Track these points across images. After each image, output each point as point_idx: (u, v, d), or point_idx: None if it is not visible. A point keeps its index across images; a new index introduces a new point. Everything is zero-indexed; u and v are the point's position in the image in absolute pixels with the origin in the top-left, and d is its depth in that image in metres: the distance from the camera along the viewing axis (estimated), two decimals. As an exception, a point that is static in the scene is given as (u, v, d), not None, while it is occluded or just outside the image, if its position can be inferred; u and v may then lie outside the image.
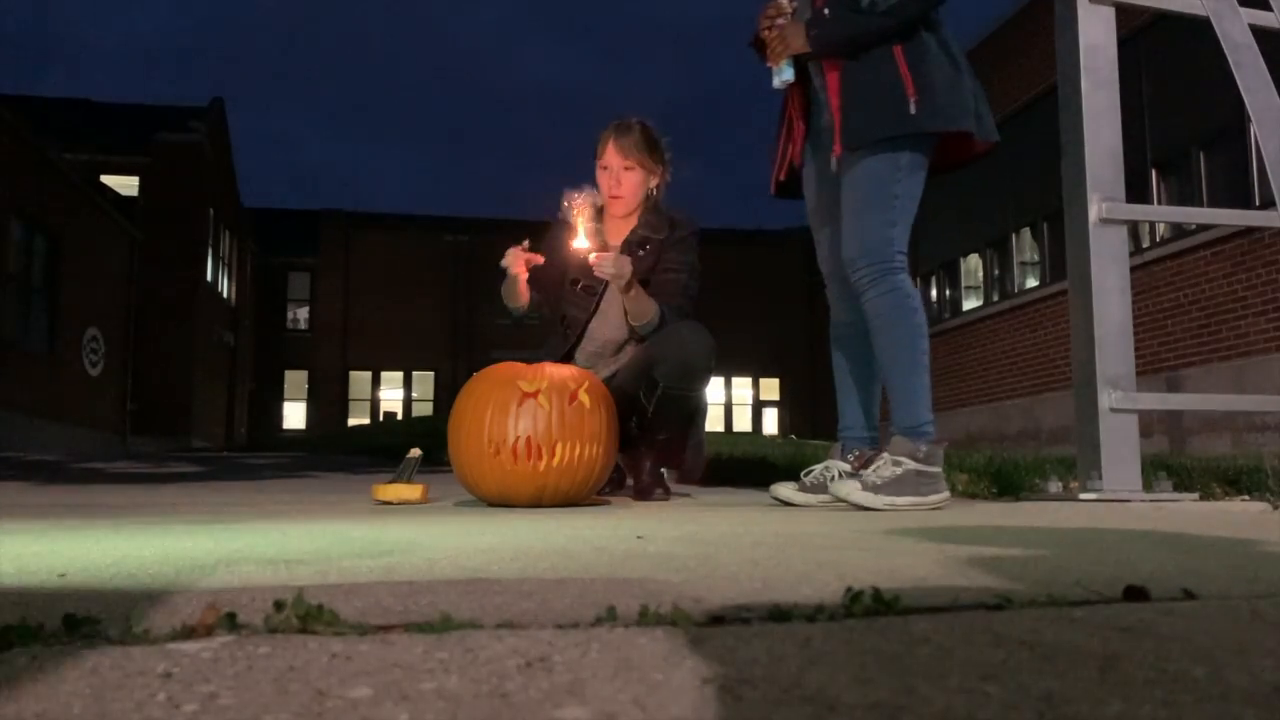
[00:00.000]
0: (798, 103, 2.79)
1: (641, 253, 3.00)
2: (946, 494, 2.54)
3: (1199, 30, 3.22)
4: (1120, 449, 2.90)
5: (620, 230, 3.08)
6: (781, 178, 2.86)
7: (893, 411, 2.57)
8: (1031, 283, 11.07)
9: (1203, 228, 8.15)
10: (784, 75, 2.70)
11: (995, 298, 11.77)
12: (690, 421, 3.08)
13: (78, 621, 0.76)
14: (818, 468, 2.73)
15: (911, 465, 2.44)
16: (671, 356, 2.87)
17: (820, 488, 2.66)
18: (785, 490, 2.74)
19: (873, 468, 2.46)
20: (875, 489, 2.40)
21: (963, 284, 12.86)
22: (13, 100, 18.09)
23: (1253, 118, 3.12)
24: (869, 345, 2.66)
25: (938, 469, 2.50)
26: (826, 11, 2.56)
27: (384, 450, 10.17)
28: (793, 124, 2.81)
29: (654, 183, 3.07)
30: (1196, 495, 2.97)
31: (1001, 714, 0.54)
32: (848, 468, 2.67)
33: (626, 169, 3.00)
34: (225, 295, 25.89)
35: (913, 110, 2.49)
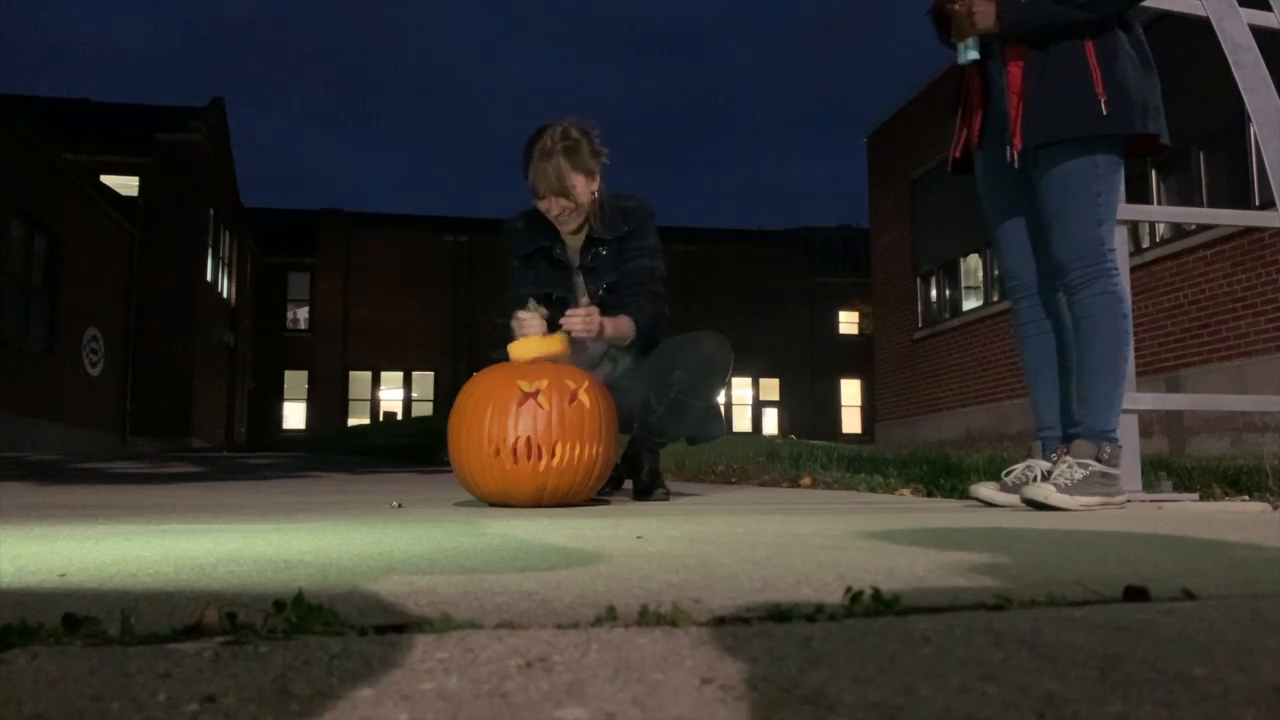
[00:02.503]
0: (978, 84, 2.71)
1: (604, 252, 2.96)
2: (1126, 495, 2.58)
3: (1199, 30, 3.22)
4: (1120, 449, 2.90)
5: (574, 238, 3.00)
6: (958, 155, 2.80)
7: (1082, 414, 2.56)
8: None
9: (1202, 228, 8.16)
10: (969, 55, 2.60)
11: (995, 298, 11.77)
12: (696, 427, 3.10)
13: (78, 621, 0.76)
14: (1019, 467, 2.68)
15: (1097, 467, 2.47)
16: (692, 366, 2.89)
17: (1022, 486, 2.61)
18: (986, 490, 2.69)
19: (1057, 471, 2.48)
20: (1069, 490, 2.43)
21: (963, 284, 12.86)
22: (13, 100, 18.08)
23: (1253, 118, 3.12)
24: (1061, 343, 2.65)
25: (1118, 471, 2.53)
26: None
27: (384, 450, 10.17)
28: (972, 106, 2.74)
29: (595, 186, 2.90)
30: (1196, 495, 2.97)
31: (1001, 714, 0.54)
32: (1050, 467, 2.62)
33: (560, 195, 2.85)
34: (225, 295, 25.87)
35: (1104, 110, 2.45)
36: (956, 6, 2.57)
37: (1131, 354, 2.97)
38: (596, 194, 2.92)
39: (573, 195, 2.85)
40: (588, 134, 2.89)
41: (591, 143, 2.89)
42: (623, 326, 2.86)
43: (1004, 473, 2.71)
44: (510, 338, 2.80)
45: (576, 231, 2.98)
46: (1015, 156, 2.57)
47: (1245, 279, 7.90)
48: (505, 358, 2.77)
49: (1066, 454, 2.53)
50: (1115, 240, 2.59)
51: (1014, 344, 2.86)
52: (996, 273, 11.92)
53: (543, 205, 2.89)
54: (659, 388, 2.92)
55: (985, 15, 2.54)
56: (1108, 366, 2.53)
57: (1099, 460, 2.49)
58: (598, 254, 2.97)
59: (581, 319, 2.73)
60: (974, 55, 2.61)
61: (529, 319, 2.76)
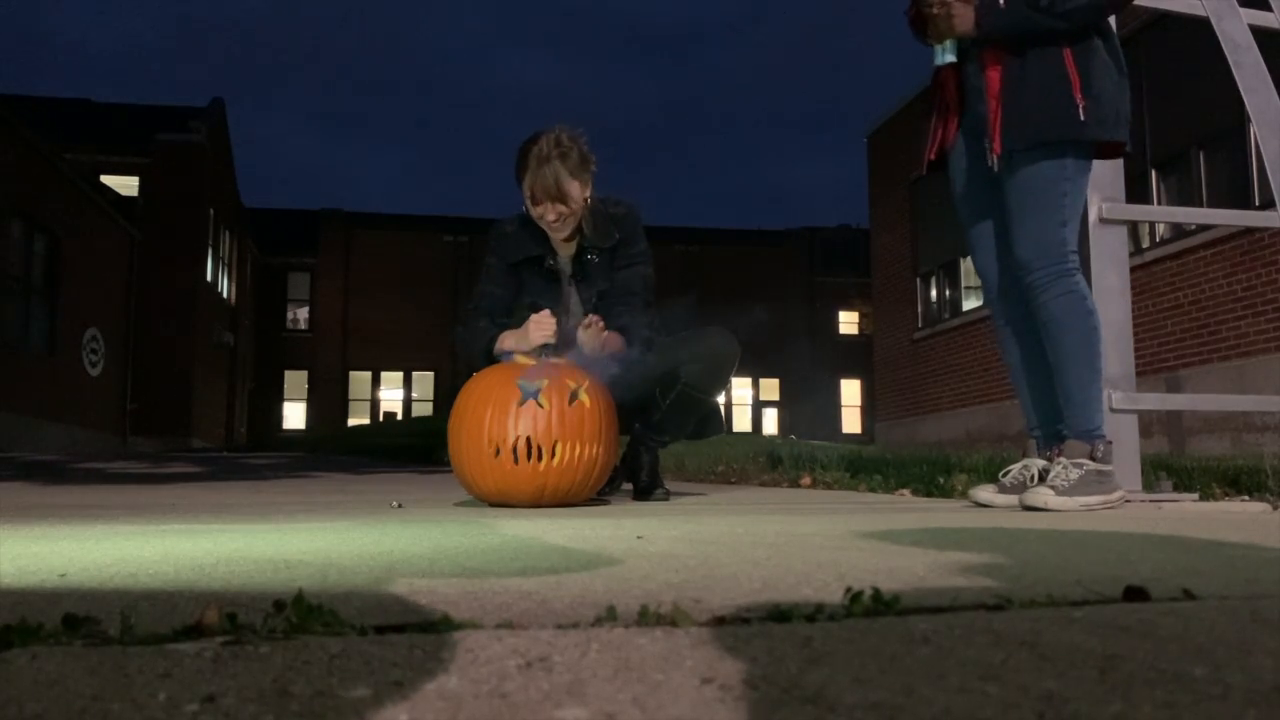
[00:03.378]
0: (953, 87, 2.73)
1: (596, 259, 2.96)
2: (1123, 490, 2.58)
3: (1199, 30, 3.22)
4: (1120, 449, 2.89)
5: (566, 246, 2.99)
6: (932, 157, 2.82)
7: (1067, 415, 2.56)
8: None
9: (1202, 228, 8.15)
10: (945, 57, 2.63)
11: (995, 298, 11.75)
12: (697, 431, 3.10)
13: (78, 621, 0.76)
14: (1015, 467, 2.68)
15: (1091, 466, 2.48)
16: (702, 357, 2.90)
17: (1020, 487, 2.62)
18: (985, 494, 2.68)
19: (1054, 474, 2.49)
20: (1066, 493, 2.43)
21: (963, 284, 12.86)
22: (13, 100, 18.07)
23: (1253, 118, 3.12)
24: (1040, 341, 2.65)
25: (1111, 467, 2.53)
26: (1003, 2, 2.51)
27: (384, 450, 10.18)
28: (947, 108, 2.76)
29: (586, 193, 2.90)
30: (1196, 495, 2.97)
31: (1001, 714, 0.54)
32: (1046, 465, 2.62)
33: (558, 201, 2.85)
34: (225, 295, 25.88)
35: (1082, 116, 2.48)
36: (935, 10, 2.58)
37: (1130, 350, 2.97)
38: (588, 200, 2.92)
39: (570, 200, 2.84)
40: (577, 141, 2.88)
41: (582, 149, 2.88)
42: (615, 344, 2.83)
43: (1001, 473, 2.71)
44: (469, 348, 2.91)
45: (568, 240, 2.96)
46: (995, 160, 2.58)
47: (1245, 279, 7.90)
48: (505, 359, 2.77)
49: (1060, 455, 2.54)
50: (1076, 242, 2.60)
51: (998, 345, 2.86)
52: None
53: (538, 212, 2.87)
54: (664, 383, 2.92)
55: (964, 19, 2.55)
56: (1081, 366, 2.54)
57: (1092, 459, 2.49)
58: (590, 262, 2.97)
59: (592, 336, 2.73)
60: (951, 58, 2.64)
61: (547, 321, 2.76)
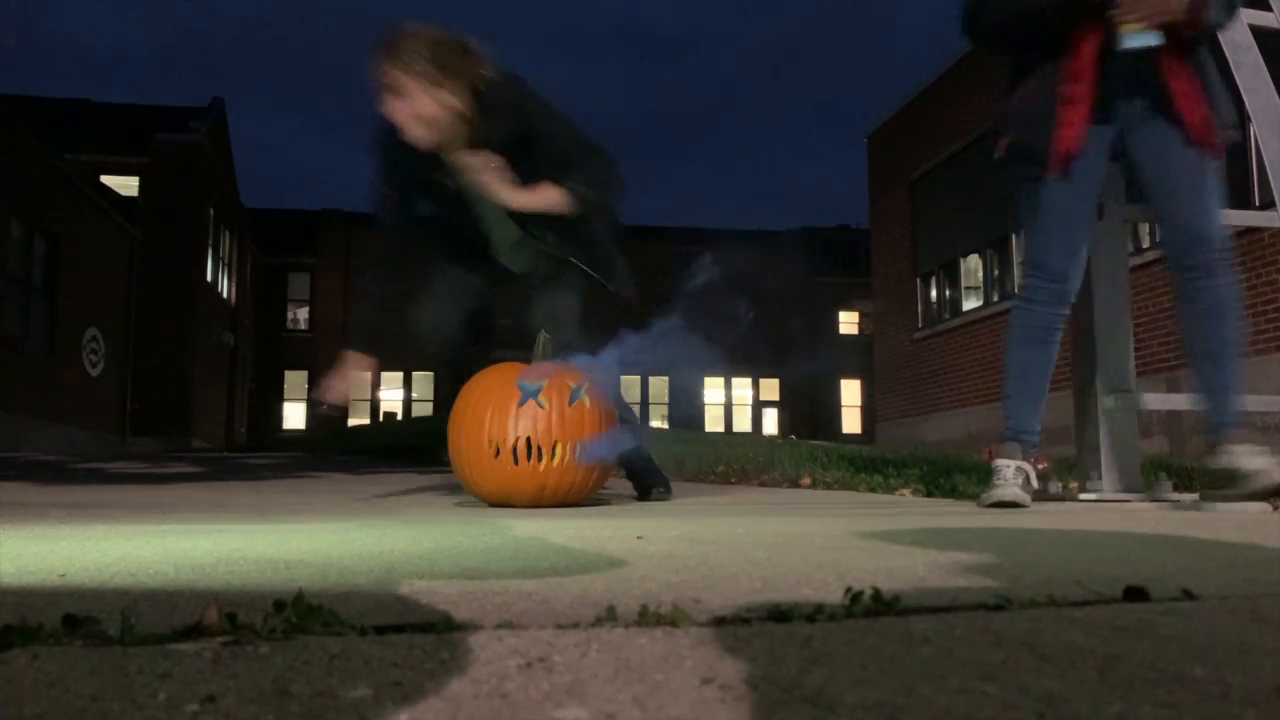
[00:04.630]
0: (1091, 74, 2.47)
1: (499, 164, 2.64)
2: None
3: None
4: (1120, 449, 2.90)
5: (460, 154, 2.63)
6: (1074, 152, 2.52)
7: (1226, 404, 2.61)
8: (1032, 283, 11.07)
9: (1203, 228, 8.15)
10: (1146, 40, 2.37)
11: (995, 298, 11.76)
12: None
13: (78, 621, 0.76)
14: (1010, 471, 2.61)
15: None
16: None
17: (1028, 487, 2.58)
18: (1013, 491, 2.57)
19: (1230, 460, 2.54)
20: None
21: (963, 284, 12.86)
22: (13, 100, 18.06)
23: (1253, 118, 3.12)
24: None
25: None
26: None
27: (384, 450, 10.17)
28: (1076, 100, 2.50)
29: (454, 100, 2.51)
30: (1196, 495, 2.97)
31: (1001, 714, 0.54)
32: (1031, 469, 2.61)
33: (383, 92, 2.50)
34: (225, 295, 25.86)
35: (1234, 110, 2.56)
36: None
37: (1130, 350, 2.98)
38: (468, 110, 2.57)
39: (403, 96, 2.49)
40: (422, 34, 2.53)
41: (426, 43, 2.50)
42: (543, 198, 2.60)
43: (998, 478, 2.65)
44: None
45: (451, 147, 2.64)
46: (1205, 159, 2.55)
47: (1245, 279, 7.86)
48: (507, 358, 2.77)
49: (1227, 445, 2.56)
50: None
51: (1023, 342, 2.73)
52: (997, 272, 11.92)
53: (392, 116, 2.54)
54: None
55: (1180, 2, 2.37)
56: (1239, 353, 2.66)
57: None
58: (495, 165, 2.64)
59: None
60: (1153, 41, 2.39)
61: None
